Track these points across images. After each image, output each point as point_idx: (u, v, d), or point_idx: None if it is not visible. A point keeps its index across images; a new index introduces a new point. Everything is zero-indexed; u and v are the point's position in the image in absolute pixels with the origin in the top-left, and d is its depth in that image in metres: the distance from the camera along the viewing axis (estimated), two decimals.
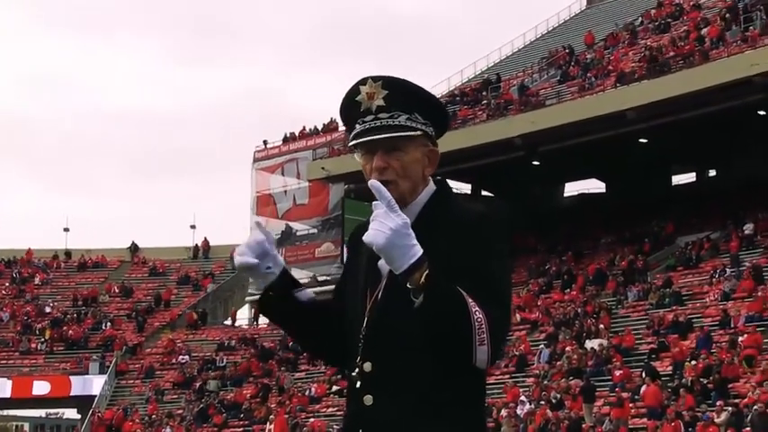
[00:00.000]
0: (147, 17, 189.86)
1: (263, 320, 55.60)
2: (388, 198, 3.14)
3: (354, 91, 3.43)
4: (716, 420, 27.57)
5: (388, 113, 3.38)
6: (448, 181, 3.65)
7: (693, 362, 31.22)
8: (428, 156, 3.45)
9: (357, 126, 3.43)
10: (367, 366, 3.35)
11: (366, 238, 3.14)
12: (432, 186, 3.49)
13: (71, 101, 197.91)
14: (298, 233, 56.36)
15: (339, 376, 41.53)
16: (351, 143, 3.46)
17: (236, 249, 3.49)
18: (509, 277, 3.40)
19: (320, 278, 51.80)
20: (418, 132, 3.40)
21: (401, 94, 3.39)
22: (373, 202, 3.16)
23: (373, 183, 3.20)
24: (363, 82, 3.42)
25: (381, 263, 3.37)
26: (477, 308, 3.13)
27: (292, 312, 3.58)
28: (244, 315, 58.91)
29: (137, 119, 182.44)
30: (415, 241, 3.12)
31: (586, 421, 30.68)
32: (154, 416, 45.16)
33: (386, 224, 3.10)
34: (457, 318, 3.12)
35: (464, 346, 3.15)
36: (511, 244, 3.48)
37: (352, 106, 3.44)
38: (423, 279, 3.10)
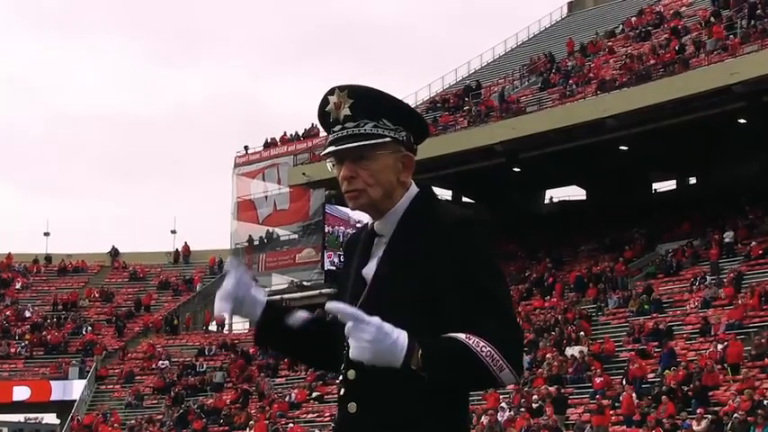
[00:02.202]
0: (129, 18, 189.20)
1: (238, 327, 55.48)
2: (350, 312, 3.11)
3: (324, 102, 3.44)
4: (696, 428, 27.63)
5: (355, 122, 3.37)
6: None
7: (674, 369, 31.29)
8: (402, 161, 3.41)
9: (330, 136, 3.43)
10: (351, 374, 3.36)
11: (352, 356, 3.13)
12: (413, 191, 3.45)
13: (55, 103, 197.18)
14: (279, 239, 56.31)
15: (320, 382, 41.51)
16: (321, 154, 3.48)
17: (217, 294, 3.51)
18: (505, 283, 3.39)
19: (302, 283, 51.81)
20: (386, 139, 3.37)
21: (366, 101, 3.38)
22: (346, 326, 3.12)
23: (329, 305, 3.15)
24: (331, 92, 3.42)
25: (366, 270, 3.42)
26: (482, 343, 3.14)
27: (288, 340, 3.62)
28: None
29: (117, 123, 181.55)
30: (395, 334, 3.10)
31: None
32: (126, 423, 45.18)
33: (362, 338, 3.08)
34: (469, 370, 3.15)
35: (489, 383, 3.21)
36: (494, 247, 3.45)
37: (323, 117, 3.46)
38: (419, 360, 3.11)
